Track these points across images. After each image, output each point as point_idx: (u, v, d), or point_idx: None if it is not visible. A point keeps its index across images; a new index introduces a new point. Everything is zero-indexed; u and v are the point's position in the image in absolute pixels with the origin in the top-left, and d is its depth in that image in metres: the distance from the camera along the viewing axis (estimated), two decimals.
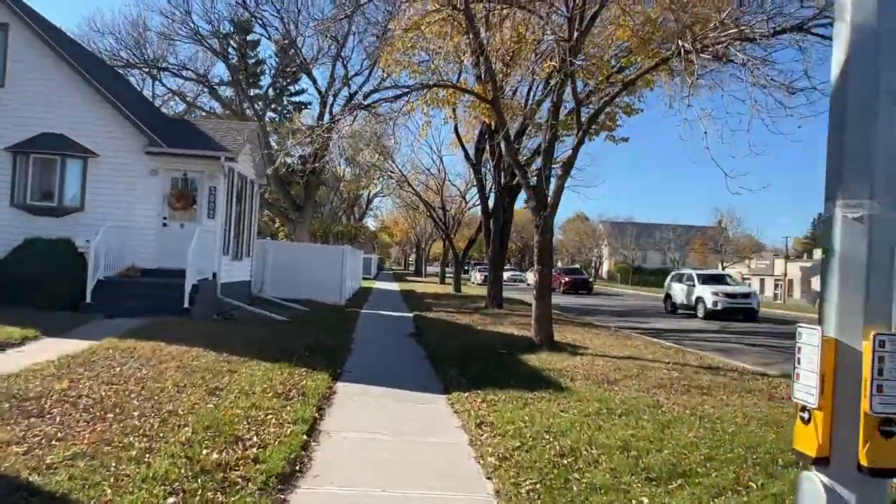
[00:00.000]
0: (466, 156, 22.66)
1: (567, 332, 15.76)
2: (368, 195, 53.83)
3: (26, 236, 13.32)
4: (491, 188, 23.65)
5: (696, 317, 24.96)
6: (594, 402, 7.56)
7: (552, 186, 11.87)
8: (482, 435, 6.24)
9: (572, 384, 8.76)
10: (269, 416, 6.14)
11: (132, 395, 6.41)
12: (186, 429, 5.43)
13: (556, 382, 8.80)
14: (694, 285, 25.79)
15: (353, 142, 33.30)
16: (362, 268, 38.72)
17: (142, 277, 13.78)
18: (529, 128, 19.58)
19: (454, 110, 21.57)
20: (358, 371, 9.36)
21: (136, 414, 5.79)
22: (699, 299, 25.06)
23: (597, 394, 8.10)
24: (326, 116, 23.17)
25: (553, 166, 14.43)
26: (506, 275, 51.52)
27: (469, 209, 41.49)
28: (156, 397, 6.43)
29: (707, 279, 26.23)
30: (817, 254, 69.51)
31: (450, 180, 38.20)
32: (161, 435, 5.25)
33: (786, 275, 63.09)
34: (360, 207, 56.23)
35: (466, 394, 7.93)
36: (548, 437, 6.07)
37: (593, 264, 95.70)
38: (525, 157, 20.98)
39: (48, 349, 8.68)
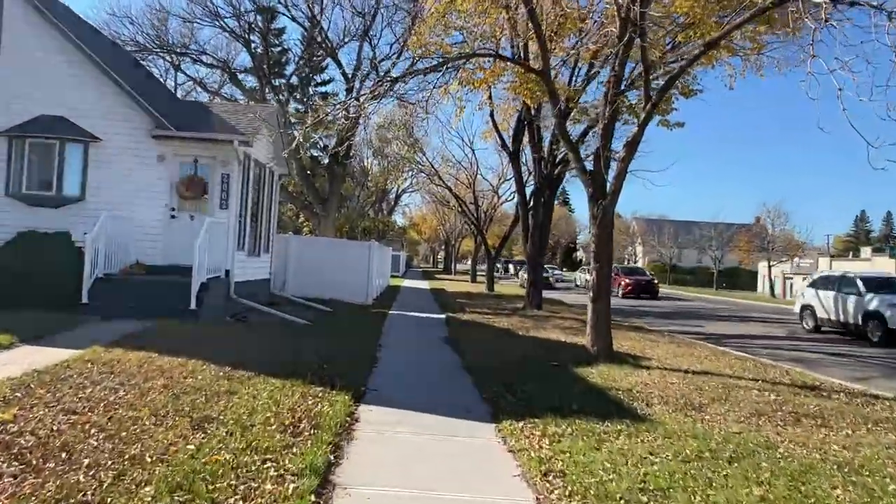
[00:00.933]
0: (503, 144, 20.98)
1: (619, 338, 14.00)
2: (397, 191, 52.38)
3: (22, 229, 12.05)
4: (529, 179, 21.97)
5: (853, 339, 17.65)
6: (688, 438, 5.88)
7: (612, 171, 10.14)
8: (551, 491, 4.61)
9: (650, 410, 7.08)
10: (268, 464, 4.58)
11: (92, 432, 4.92)
12: (146, 490, 3.90)
13: (630, 408, 7.13)
14: (859, 294, 17.96)
15: (381, 132, 31.93)
16: (390, 265, 37.32)
17: (147, 275, 12.42)
18: (574, 111, 17.81)
19: (490, 96, 19.97)
20: (385, 389, 7.78)
21: (86, 462, 4.28)
22: (871, 315, 17.11)
23: (686, 425, 6.40)
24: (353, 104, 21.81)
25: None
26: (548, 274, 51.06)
27: (501, 204, 39.77)
28: (123, 434, 4.92)
29: (880, 285, 18.17)
30: (865, 252, 66.38)
31: (481, 174, 36.56)
32: (107, 502, 3.73)
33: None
34: (388, 203, 54.82)
35: (521, 423, 6.30)
36: (645, 498, 4.42)
37: (626, 263, 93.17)
38: None
39: (17, 361, 7.27)
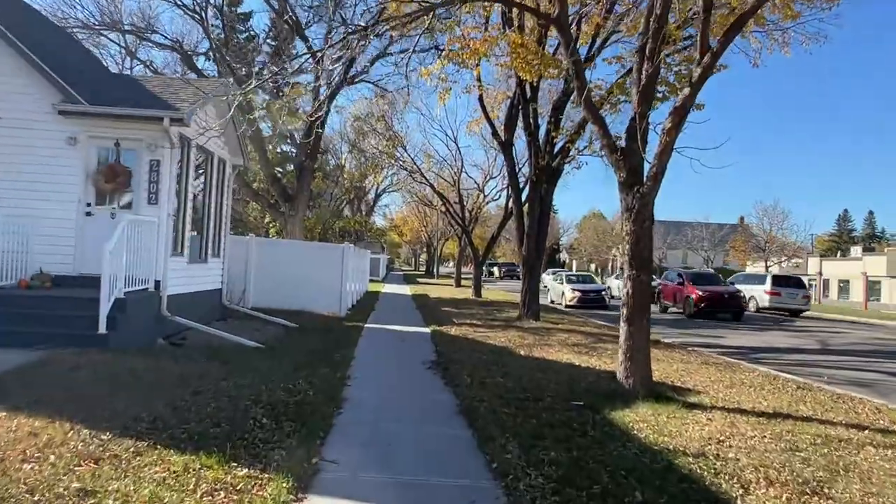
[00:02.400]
0: (494, 133, 18.53)
1: None
2: (377, 190, 49.74)
3: None
4: (523, 171, 19.58)
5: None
6: None
7: (653, 149, 7.71)
8: None
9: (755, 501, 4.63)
10: None
11: None
12: None
13: (724, 500, 4.67)
14: None
15: (358, 125, 29.34)
16: (369, 269, 34.72)
17: (53, 288, 9.78)
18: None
19: (479, 77, 17.53)
20: (349, 460, 5.27)
21: None
22: None
23: None
24: (323, 89, 19.14)
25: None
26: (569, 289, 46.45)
27: (487, 203, 37.34)
28: None
29: None
30: (854, 251, 64.96)
31: (466, 171, 34.10)
32: None
33: (821, 274, 58.54)
34: (367, 203, 52.18)
35: None
36: None
37: (611, 265, 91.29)
38: (569, 133, 16.85)
39: None
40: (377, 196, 50.31)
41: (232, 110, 9.23)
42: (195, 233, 12.37)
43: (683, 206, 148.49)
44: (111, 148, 10.42)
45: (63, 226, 10.14)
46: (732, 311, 24.83)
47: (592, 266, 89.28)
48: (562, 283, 29.17)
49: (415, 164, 29.74)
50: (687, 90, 7.22)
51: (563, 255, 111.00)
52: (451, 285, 41.76)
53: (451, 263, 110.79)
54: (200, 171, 12.58)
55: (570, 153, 17.58)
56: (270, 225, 26.88)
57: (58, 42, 13.06)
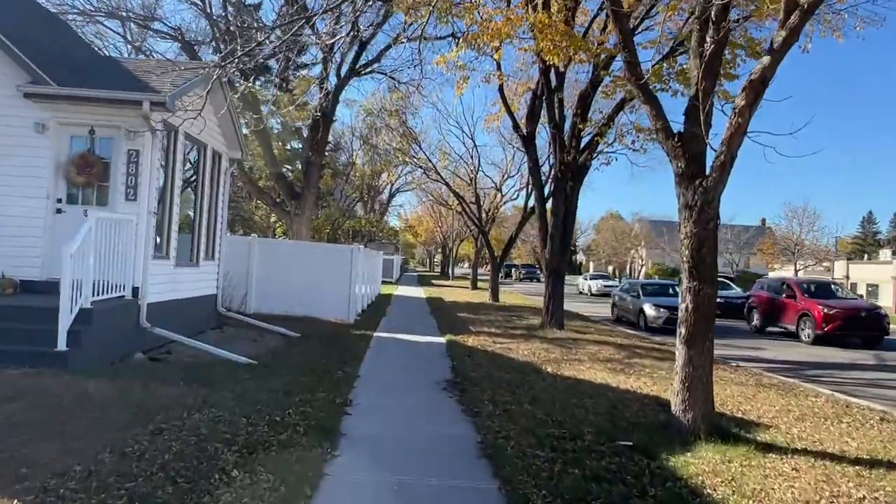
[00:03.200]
0: (515, 126, 17.16)
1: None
2: (390, 190, 48.50)
3: None
4: (545, 168, 18.22)
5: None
6: None
7: (720, 131, 6.31)
8: None
9: None
10: None
11: None
12: None
13: None
14: None
15: (371, 120, 28.10)
16: (381, 271, 33.48)
17: (14, 296, 8.58)
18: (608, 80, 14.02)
19: (499, 65, 16.19)
20: None
21: None
22: None
23: None
24: (332, 79, 17.90)
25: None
26: (595, 284, 45.27)
27: (504, 203, 35.93)
28: None
29: None
30: (884, 254, 62.72)
31: (483, 170, 32.72)
32: None
33: (848, 277, 56.46)
34: (380, 203, 50.95)
35: None
36: None
37: (630, 267, 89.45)
38: (598, 125, 15.45)
39: None
40: (391, 195, 49.10)
41: (230, 99, 7.97)
42: (185, 233, 11.16)
43: None
44: (85, 136, 9.20)
45: (30, 224, 8.94)
46: (871, 334, 18.15)
47: (610, 268, 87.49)
48: (636, 297, 21.31)
49: (430, 161, 28.42)
50: (766, 59, 5.82)
51: (580, 257, 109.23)
52: (467, 287, 40.39)
53: (466, 264, 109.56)
54: (190, 171, 11.36)
55: (598, 148, 16.18)
56: (277, 225, 25.65)
57: (39, 23, 11.88)
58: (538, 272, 66.28)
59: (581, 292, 45.93)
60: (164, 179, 9.93)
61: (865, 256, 75.51)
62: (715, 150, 6.23)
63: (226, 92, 11.68)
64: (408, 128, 26.44)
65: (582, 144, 16.20)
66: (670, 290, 21.50)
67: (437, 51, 17.96)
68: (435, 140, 57.25)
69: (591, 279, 48.05)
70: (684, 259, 6.38)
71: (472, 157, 30.64)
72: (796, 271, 49.53)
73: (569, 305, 19.14)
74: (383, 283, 35.27)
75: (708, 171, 6.29)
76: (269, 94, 24.50)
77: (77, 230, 7.78)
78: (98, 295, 8.01)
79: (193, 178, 11.41)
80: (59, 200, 9.11)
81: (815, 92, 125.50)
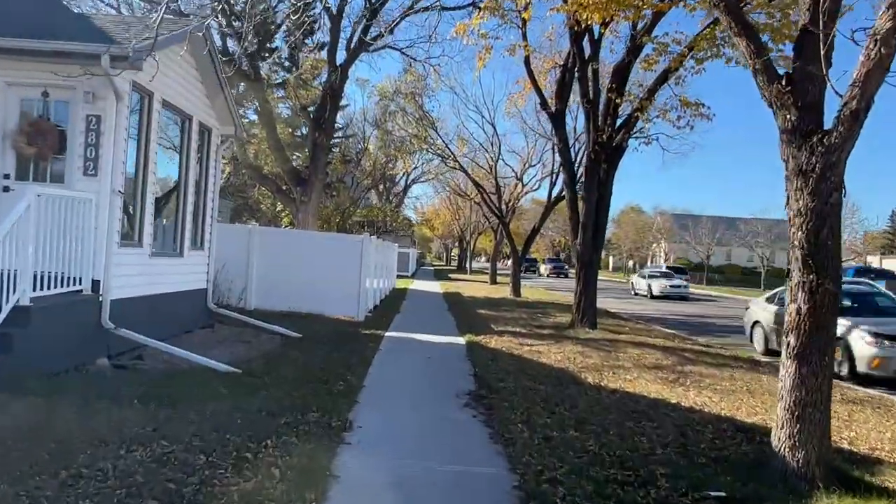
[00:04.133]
0: (542, 103, 15.45)
1: (748, 388, 8.63)
2: (406, 180, 46.92)
3: None
4: (578, 149, 16.51)
5: None
6: None
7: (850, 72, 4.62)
8: None
9: None
10: None
11: None
12: None
13: None
14: None
15: (384, 103, 26.51)
16: (396, 264, 31.96)
17: None
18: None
19: (524, 34, 14.55)
20: None
21: None
22: None
23: None
24: (341, 52, 16.32)
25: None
26: (657, 284, 33.46)
27: (525, 194, 34.20)
28: None
29: None
30: None
31: (503, 158, 30.98)
32: None
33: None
34: (396, 195, 49.40)
35: None
36: None
37: (651, 262, 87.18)
38: (637, 99, 13.74)
39: None
40: (407, 186, 47.52)
41: (218, 63, 6.42)
42: (165, 218, 9.68)
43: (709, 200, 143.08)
44: (38, 99, 7.71)
45: None
46: None
47: (630, 263, 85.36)
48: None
49: (448, 148, 26.80)
50: None
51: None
52: (485, 282, 38.76)
53: (484, 258, 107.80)
54: (173, 147, 9.85)
55: (636, 126, 14.46)
56: (284, 214, 24.14)
57: None
58: (566, 267, 63.79)
59: (636, 293, 35.98)
60: (138, 153, 8.43)
61: None
62: (841, 96, 4.55)
63: (215, 57, 10.18)
64: (424, 111, 24.84)
65: (618, 123, 14.50)
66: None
67: (455, 24, 16.27)
68: (453, 126, 55.57)
69: (650, 277, 36.54)
70: (795, 244, 4.72)
71: (492, 145, 28.99)
72: None
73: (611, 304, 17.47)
74: (398, 276, 33.77)
75: (830, 124, 4.62)
76: (277, 77, 23.05)
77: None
78: (44, 289, 6.52)
79: (177, 152, 9.90)
80: (7, 177, 7.62)
81: None
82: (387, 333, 12.69)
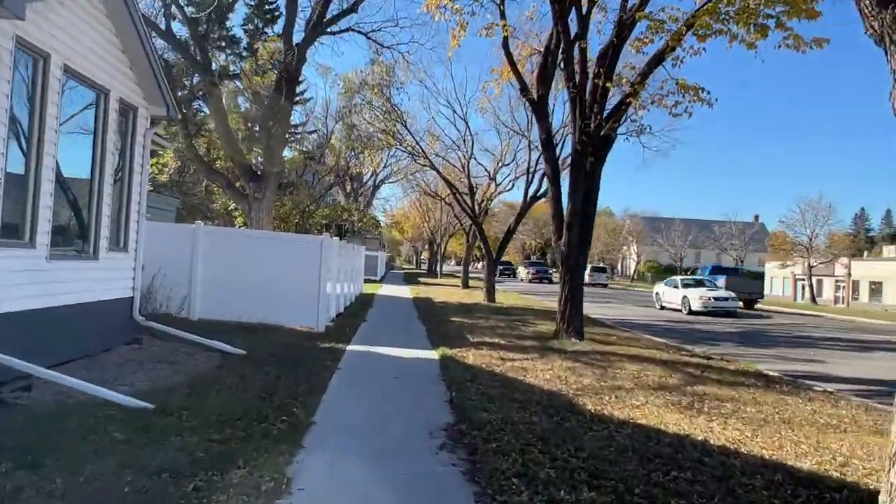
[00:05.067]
0: (523, 88, 13.95)
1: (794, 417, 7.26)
2: (375, 180, 45.14)
3: None
4: (558, 142, 15.07)
5: None
6: None
7: None
8: None
9: None
10: None
11: None
12: None
13: None
14: None
15: (349, 95, 24.84)
16: (363, 268, 30.25)
17: None
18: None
19: (503, 12, 13.11)
20: None
21: None
22: None
23: None
24: (300, 34, 14.63)
25: None
26: (695, 295, 25.63)
27: (498, 194, 32.77)
28: None
29: None
30: (888, 251, 60.43)
31: (475, 157, 29.46)
32: None
33: (849, 275, 53.96)
34: (364, 196, 47.63)
35: None
36: None
37: (621, 265, 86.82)
38: (628, 87, 12.37)
39: None
40: (375, 186, 45.75)
41: (141, 26, 4.75)
42: (72, 213, 7.95)
43: (676, 202, 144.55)
44: None
45: None
46: None
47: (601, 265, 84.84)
48: None
49: (418, 145, 25.19)
50: None
51: None
52: (457, 286, 37.25)
53: (454, 261, 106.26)
54: (84, 126, 8.12)
55: (626, 115, 13.08)
56: (237, 213, 22.25)
57: None
58: (549, 271, 60.47)
59: (665, 307, 28.42)
60: (30, 131, 6.70)
61: (865, 253, 73.29)
62: None
63: (138, 21, 8.48)
64: (393, 105, 23.21)
65: (605, 113, 13.11)
66: None
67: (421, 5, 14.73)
68: (423, 122, 53.89)
69: (685, 286, 28.07)
70: None
71: (464, 142, 27.49)
72: (810, 268, 46.72)
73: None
74: (366, 281, 32.06)
75: None
76: (234, 68, 21.23)
77: None
78: None
79: (90, 133, 8.16)
80: None
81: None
82: (349, 347, 11.07)
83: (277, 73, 15.17)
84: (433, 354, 10.86)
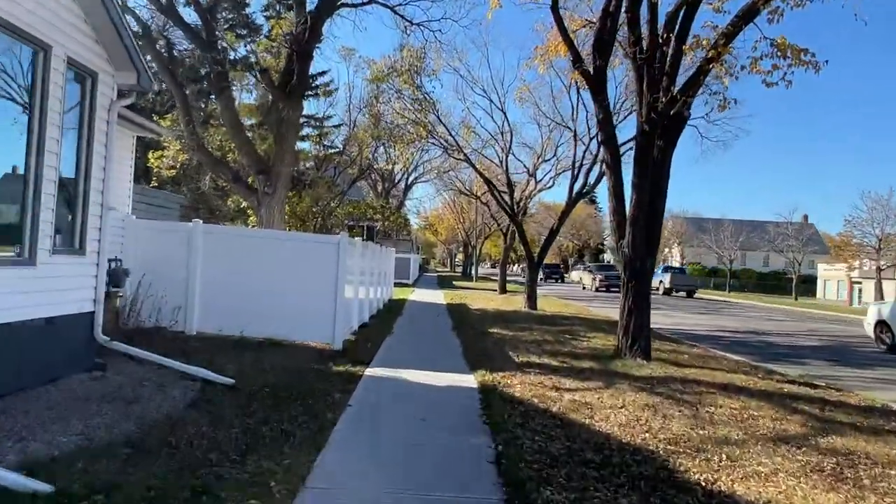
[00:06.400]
0: (576, 60, 11.64)
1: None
2: (407, 179, 43.30)
3: None
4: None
5: None
6: None
7: None
8: None
9: None
10: None
11: None
12: None
13: None
14: None
15: (374, 84, 22.87)
16: (396, 271, 28.29)
17: None
18: None
19: None
20: None
21: None
22: None
23: None
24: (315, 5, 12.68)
25: None
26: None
27: (538, 192, 30.46)
28: None
29: None
30: None
31: (513, 153, 27.20)
32: None
33: None
34: (396, 197, 45.76)
35: None
36: None
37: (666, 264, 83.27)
38: (709, 51, 10.07)
39: None
40: (407, 186, 43.84)
41: None
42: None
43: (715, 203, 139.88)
44: None
45: None
46: None
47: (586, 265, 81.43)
48: None
49: (453, 137, 23.09)
50: None
51: (607, 256, 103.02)
52: (493, 290, 35.05)
53: (488, 263, 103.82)
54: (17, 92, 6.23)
55: (704, 87, 10.79)
56: (251, 212, 20.30)
57: None
58: (562, 271, 59.23)
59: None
60: None
61: None
62: None
63: None
64: (424, 93, 21.18)
65: (676, 85, 10.83)
66: None
67: None
68: (457, 115, 51.59)
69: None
70: None
71: (502, 135, 25.28)
72: (879, 271, 43.13)
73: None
74: (398, 285, 30.15)
75: None
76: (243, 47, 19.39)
77: None
78: None
79: (26, 106, 6.28)
80: None
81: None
82: (368, 371, 9.04)
83: (288, 49, 13.28)
84: (471, 380, 8.76)
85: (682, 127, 11.19)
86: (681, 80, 11.41)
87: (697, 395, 8.25)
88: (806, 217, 74.38)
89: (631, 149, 14.34)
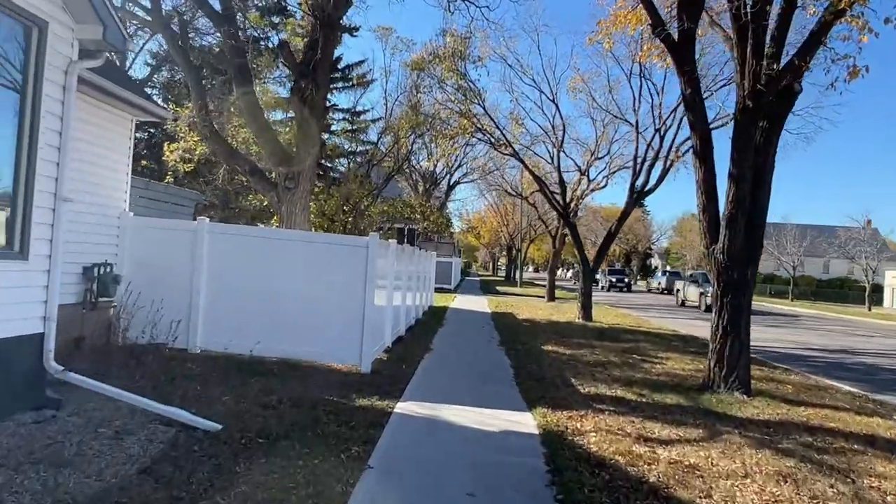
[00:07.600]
0: (656, 24, 9.49)
1: None
2: (450, 179, 41.46)
3: None
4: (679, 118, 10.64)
5: None
6: None
7: None
8: None
9: None
10: None
11: None
12: None
13: None
14: None
15: (415, 71, 21.04)
16: (437, 275, 26.46)
17: None
18: None
19: None
20: None
21: None
22: None
23: None
24: None
25: None
26: None
27: (591, 192, 28.14)
28: None
29: None
30: None
31: (563, 150, 24.99)
32: None
33: None
34: (438, 198, 43.96)
35: None
36: None
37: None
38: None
39: None
40: (450, 186, 41.99)
41: None
42: None
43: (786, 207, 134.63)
44: None
45: None
46: None
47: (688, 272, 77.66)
48: None
49: (499, 130, 21.11)
50: None
51: (655, 261, 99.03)
52: (540, 297, 32.92)
53: (532, 268, 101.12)
54: None
55: (825, 49, 8.57)
56: (268, 209, 18.45)
57: None
58: (628, 279, 56.17)
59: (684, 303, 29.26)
60: None
61: None
62: None
63: None
64: (469, 81, 19.27)
65: (782, 54, 8.66)
66: None
67: None
68: (505, 108, 49.21)
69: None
70: None
71: (554, 129, 23.16)
72: None
73: None
74: (438, 290, 28.36)
75: None
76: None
77: None
78: None
79: None
80: None
81: None
82: (399, 406, 7.17)
83: (311, 17, 11.51)
84: (530, 423, 6.82)
85: (792, 103, 9.01)
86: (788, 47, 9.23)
87: (840, 454, 6.11)
88: (869, 221, 69.86)
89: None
